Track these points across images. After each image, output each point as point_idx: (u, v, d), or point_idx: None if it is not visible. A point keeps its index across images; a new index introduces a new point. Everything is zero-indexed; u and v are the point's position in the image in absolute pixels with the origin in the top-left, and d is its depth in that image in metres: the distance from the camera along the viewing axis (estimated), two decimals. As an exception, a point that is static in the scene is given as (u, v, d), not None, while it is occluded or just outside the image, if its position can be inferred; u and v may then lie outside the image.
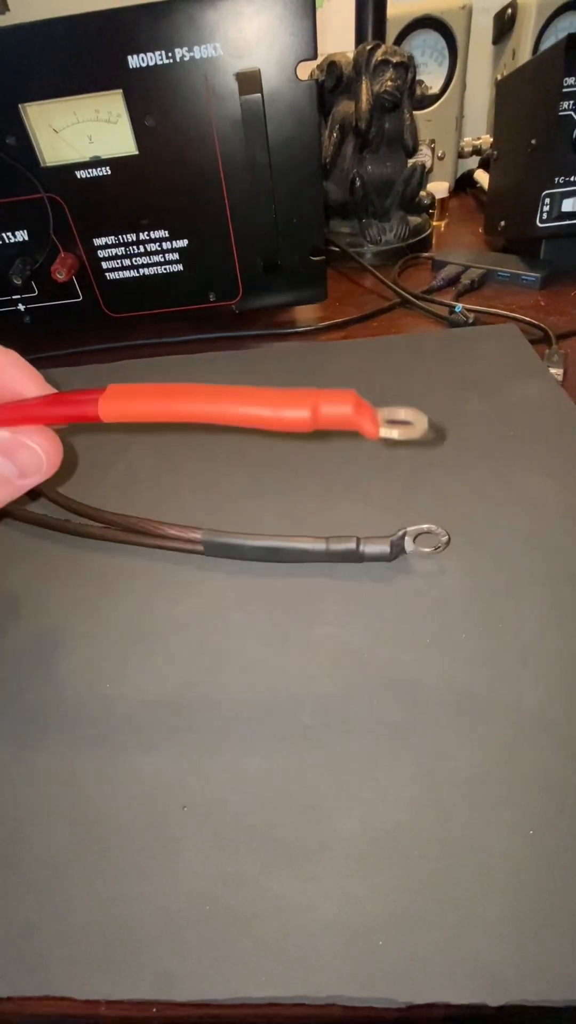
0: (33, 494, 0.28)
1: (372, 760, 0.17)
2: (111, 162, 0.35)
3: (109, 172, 0.36)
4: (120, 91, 0.33)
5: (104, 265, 0.39)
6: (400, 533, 0.23)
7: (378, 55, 0.45)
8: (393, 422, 0.17)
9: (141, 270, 0.40)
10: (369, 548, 0.23)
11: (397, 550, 0.23)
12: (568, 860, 0.15)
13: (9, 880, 0.16)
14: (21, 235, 0.38)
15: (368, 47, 0.46)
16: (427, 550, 0.23)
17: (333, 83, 0.49)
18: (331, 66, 0.48)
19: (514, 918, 0.14)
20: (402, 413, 0.17)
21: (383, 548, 0.23)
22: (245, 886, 0.15)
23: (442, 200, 0.59)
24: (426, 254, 0.52)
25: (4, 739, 0.19)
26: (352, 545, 0.23)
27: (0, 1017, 0.15)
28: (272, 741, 0.18)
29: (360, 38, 0.53)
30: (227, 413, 0.18)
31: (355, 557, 0.23)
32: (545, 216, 0.43)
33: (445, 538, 0.23)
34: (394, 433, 0.17)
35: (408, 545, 0.23)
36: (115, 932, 0.15)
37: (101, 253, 0.39)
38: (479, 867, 0.15)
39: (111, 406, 0.18)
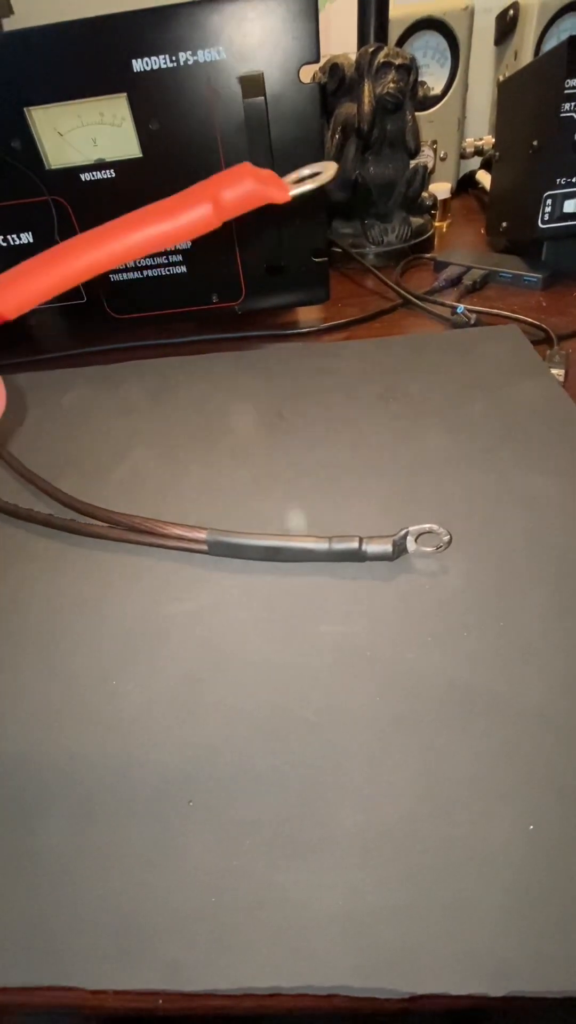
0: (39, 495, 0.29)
1: (375, 756, 0.18)
2: (115, 165, 0.36)
3: (113, 175, 0.36)
4: (124, 95, 0.34)
5: (108, 267, 0.40)
6: (402, 533, 0.23)
7: (380, 57, 0.46)
8: (300, 180, 0.17)
9: (145, 272, 0.40)
10: (372, 548, 0.23)
11: (399, 549, 0.23)
12: (568, 854, 0.15)
13: (18, 873, 0.16)
14: (26, 237, 0.38)
15: (370, 49, 0.46)
16: (429, 549, 0.23)
17: (335, 85, 0.49)
18: (333, 68, 0.49)
19: (515, 911, 0.14)
20: (306, 170, 0.17)
21: (385, 547, 0.23)
22: (250, 879, 0.15)
23: (444, 201, 0.59)
24: (428, 255, 0.52)
25: (13, 736, 0.19)
26: (355, 545, 0.23)
27: (10, 1007, 0.15)
28: (276, 737, 0.18)
29: (362, 40, 0.53)
30: (130, 246, 0.16)
31: (358, 556, 0.23)
32: (547, 217, 0.43)
33: (447, 537, 0.23)
34: (305, 186, 0.17)
35: (410, 544, 0.23)
36: (122, 924, 0.15)
37: (105, 255, 0.39)
38: (481, 861, 0.15)
39: (10, 299, 0.16)
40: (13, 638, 0.23)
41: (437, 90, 0.61)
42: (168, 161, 0.36)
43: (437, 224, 0.58)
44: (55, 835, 0.17)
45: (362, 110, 0.47)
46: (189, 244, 0.39)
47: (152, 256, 0.39)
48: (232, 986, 0.14)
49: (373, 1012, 0.14)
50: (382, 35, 0.53)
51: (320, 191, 0.38)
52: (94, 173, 0.36)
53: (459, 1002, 0.14)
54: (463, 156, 0.65)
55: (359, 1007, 0.14)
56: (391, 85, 0.45)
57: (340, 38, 0.55)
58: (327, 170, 0.17)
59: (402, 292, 0.44)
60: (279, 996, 0.14)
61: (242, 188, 0.16)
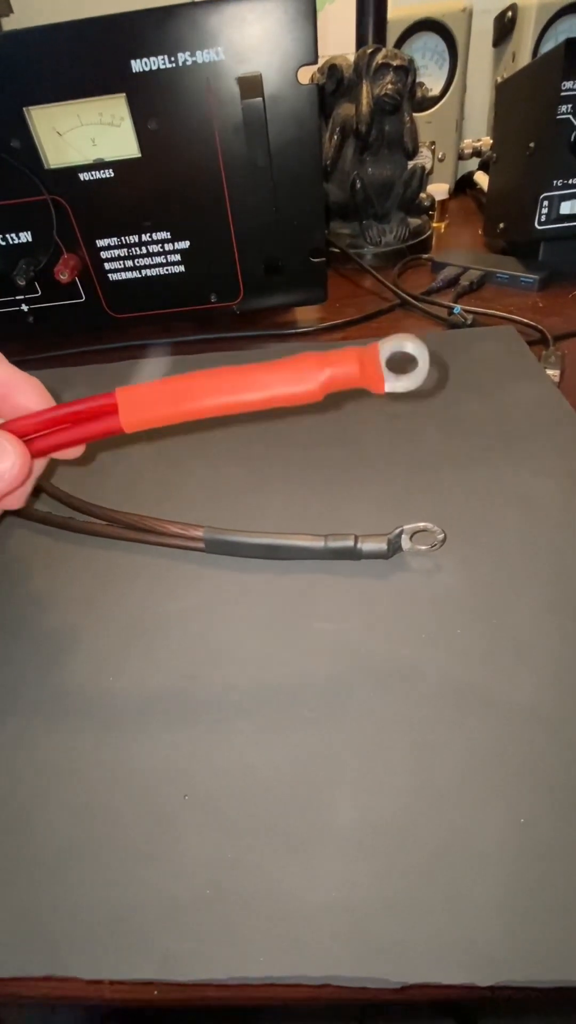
0: (35, 491, 0.29)
1: (369, 751, 0.18)
2: (114, 164, 0.36)
3: (112, 174, 0.36)
4: (123, 95, 0.34)
5: (107, 266, 0.40)
6: (397, 531, 0.23)
7: (378, 59, 0.46)
8: (396, 367, 0.18)
9: (143, 271, 0.40)
10: (367, 546, 0.23)
11: (394, 548, 0.23)
12: (558, 848, 0.15)
13: (16, 864, 0.16)
14: (25, 236, 0.38)
15: (369, 51, 0.46)
16: (424, 548, 0.24)
17: (334, 86, 0.49)
18: (332, 69, 0.49)
19: (505, 903, 0.15)
20: (408, 345, 0.18)
21: (380, 546, 0.23)
22: (245, 871, 0.16)
23: (442, 202, 0.59)
24: (426, 255, 0.52)
25: (11, 730, 0.20)
26: (350, 543, 0.23)
27: (6, 997, 0.15)
28: (272, 732, 0.19)
29: (361, 41, 0.53)
30: (245, 404, 0.18)
31: (353, 554, 0.23)
32: (544, 218, 0.43)
33: (441, 536, 0.23)
34: (399, 386, 0.18)
35: (405, 543, 0.24)
36: (118, 915, 0.15)
37: (104, 254, 0.39)
38: (472, 854, 0.15)
39: (131, 418, 0.19)
40: (10, 634, 0.23)
41: (435, 91, 0.61)
42: (167, 161, 0.36)
43: (435, 225, 0.58)
44: (52, 828, 0.17)
45: (360, 111, 0.47)
46: (188, 243, 0.39)
47: (151, 255, 0.40)
48: (226, 976, 0.14)
49: (365, 1001, 0.14)
50: (380, 36, 0.53)
51: (321, 193, 0.38)
52: (93, 173, 0.36)
53: (450, 992, 0.14)
54: (461, 157, 0.66)
55: (352, 997, 0.14)
56: (389, 86, 0.45)
57: (338, 39, 0.55)
58: (420, 361, 0.17)
59: (399, 292, 0.44)
60: (273, 986, 0.14)
61: (347, 371, 0.18)
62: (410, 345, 0.18)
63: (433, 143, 0.63)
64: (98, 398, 0.19)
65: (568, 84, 0.39)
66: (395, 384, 0.18)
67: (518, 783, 0.17)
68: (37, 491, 0.29)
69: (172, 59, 0.33)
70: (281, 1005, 0.15)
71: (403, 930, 0.14)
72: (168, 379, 0.19)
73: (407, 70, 0.46)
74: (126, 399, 0.19)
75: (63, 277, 0.38)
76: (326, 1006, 0.15)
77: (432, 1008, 0.51)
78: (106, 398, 0.19)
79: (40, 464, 0.22)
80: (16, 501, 0.21)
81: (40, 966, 0.15)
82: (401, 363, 0.18)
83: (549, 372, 0.34)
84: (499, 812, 0.16)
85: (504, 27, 0.61)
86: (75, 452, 0.22)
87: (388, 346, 0.18)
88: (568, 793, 0.16)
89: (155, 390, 0.19)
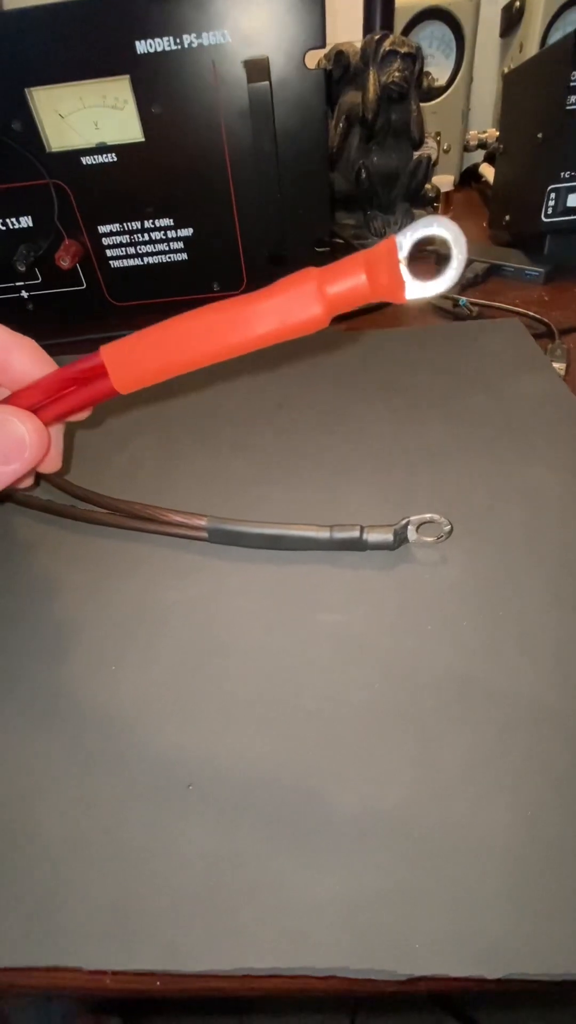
0: (36, 479, 0.28)
1: (373, 742, 0.18)
2: (117, 149, 0.35)
3: (115, 159, 0.36)
4: (127, 77, 0.33)
5: (108, 253, 0.39)
6: (403, 522, 0.23)
7: (386, 45, 0.45)
8: (416, 257, 0.14)
9: (145, 258, 0.40)
10: (372, 536, 0.23)
11: (400, 539, 0.23)
12: (565, 840, 0.15)
13: (18, 854, 0.16)
14: (25, 221, 0.38)
15: (376, 37, 0.46)
16: (429, 539, 0.23)
17: (340, 73, 0.48)
18: (338, 55, 0.48)
19: (512, 895, 0.14)
20: (434, 227, 0.14)
21: (386, 537, 0.23)
22: (248, 862, 0.15)
23: (447, 193, 0.59)
24: (430, 247, 0.51)
25: (13, 719, 0.19)
26: (355, 533, 0.23)
27: (7, 988, 0.15)
28: (275, 723, 0.18)
29: (368, 28, 0.52)
30: (236, 343, 0.16)
31: (358, 545, 0.23)
32: (550, 211, 0.43)
33: (448, 527, 0.23)
34: (423, 291, 0.14)
35: (411, 534, 0.23)
36: (122, 905, 0.15)
37: (105, 241, 0.39)
38: (478, 846, 0.15)
39: (124, 377, 0.17)
40: (12, 624, 0.23)
41: (442, 81, 0.61)
42: (171, 146, 0.35)
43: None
44: (54, 817, 0.17)
45: (367, 98, 0.46)
46: (191, 230, 0.39)
47: (153, 242, 0.39)
48: (230, 967, 0.14)
49: (370, 993, 0.14)
50: (388, 23, 0.52)
51: (326, 182, 0.38)
52: (95, 157, 0.36)
53: (456, 984, 0.14)
54: (466, 149, 0.65)
55: (356, 989, 0.14)
56: (396, 74, 0.45)
57: (346, 25, 0.54)
58: (456, 252, 0.13)
59: (404, 284, 0.44)
60: (277, 977, 0.14)
61: (353, 285, 0.15)
62: (437, 226, 0.14)
63: (438, 134, 0.62)
64: (86, 359, 0.18)
65: (577, 74, 0.38)
66: (420, 289, 0.14)
67: (524, 775, 0.17)
68: (38, 479, 0.29)
69: (177, 41, 0.32)
70: (285, 997, 0.15)
71: (409, 922, 0.14)
72: (152, 328, 0.17)
73: (415, 57, 0.46)
74: (113, 358, 0.17)
75: (64, 263, 0.38)
76: (322, 998, 0.15)
77: (424, 1000, 0.52)
78: (92, 359, 0.18)
79: (57, 434, 0.22)
80: (52, 464, 0.21)
81: (42, 956, 0.14)
82: (423, 260, 0.14)
83: (555, 365, 0.33)
84: (505, 804, 0.16)
85: (512, 17, 0.60)
86: (84, 414, 0.21)
87: (409, 235, 0.14)
88: (574, 785, 0.16)
89: (142, 342, 0.17)
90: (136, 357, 0.17)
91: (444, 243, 0.14)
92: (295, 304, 0.15)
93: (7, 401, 0.19)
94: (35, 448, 0.18)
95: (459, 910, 0.14)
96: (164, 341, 0.17)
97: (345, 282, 0.15)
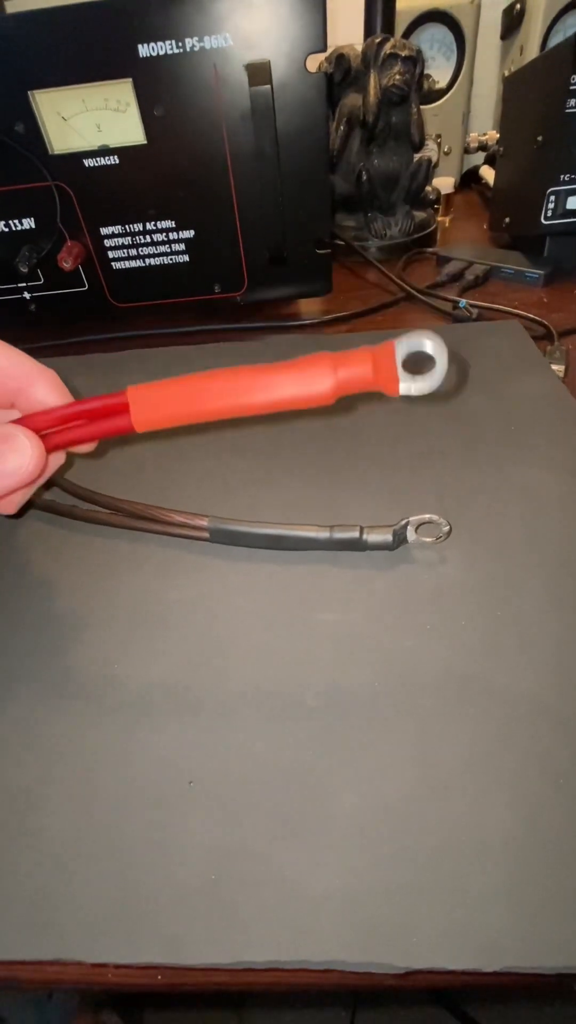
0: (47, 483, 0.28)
1: (373, 740, 0.18)
2: (119, 151, 0.35)
3: (117, 161, 0.36)
4: (130, 80, 0.33)
5: (110, 254, 0.40)
6: (402, 522, 0.23)
7: (387, 48, 0.45)
8: (411, 368, 0.17)
9: (147, 260, 0.40)
10: (372, 537, 0.23)
11: (399, 539, 0.23)
12: (561, 836, 0.15)
13: (23, 849, 0.16)
14: (28, 223, 0.38)
15: (377, 40, 0.46)
16: (429, 540, 0.24)
17: (341, 76, 0.49)
18: (339, 58, 0.48)
19: (509, 890, 0.15)
20: (428, 344, 0.17)
21: (386, 537, 0.23)
22: (249, 857, 0.16)
23: (447, 196, 0.59)
24: (431, 249, 0.52)
25: (17, 717, 0.20)
26: (355, 534, 0.23)
27: (10, 981, 0.15)
28: (276, 721, 0.19)
29: (369, 31, 0.53)
30: (257, 405, 0.18)
31: (358, 546, 0.23)
32: (550, 213, 0.43)
33: (447, 528, 0.23)
34: (414, 388, 0.17)
35: (410, 534, 0.24)
36: (123, 900, 0.15)
37: (107, 242, 0.39)
38: (476, 841, 0.16)
39: (142, 416, 0.19)
40: (15, 623, 0.23)
41: (442, 84, 0.61)
42: (173, 148, 0.35)
43: (440, 219, 0.58)
44: (57, 813, 0.17)
45: (367, 101, 0.46)
46: (192, 233, 0.39)
47: (155, 244, 0.39)
48: (231, 961, 0.14)
49: (369, 986, 0.14)
50: (389, 26, 0.53)
51: (327, 184, 0.38)
52: (98, 159, 0.36)
53: (454, 978, 0.14)
54: (467, 151, 0.65)
55: (355, 982, 0.14)
56: (397, 77, 0.45)
57: (346, 29, 0.54)
58: (439, 362, 0.16)
59: (404, 286, 0.44)
60: (277, 971, 0.14)
61: (360, 373, 0.17)
62: (428, 343, 0.17)
63: (439, 136, 0.63)
64: (110, 397, 0.19)
65: (577, 78, 0.39)
66: (410, 386, 0.17)
67: (522, 773, 0.17)
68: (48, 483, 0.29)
69: (179, 44, 0.32)
70: (284, 991, 0.15)
71: (407, 916, 0.14)
72: (178, 379, 0.19)
73: (415, 61, 0.46)
74: (137, 398, 0.19)
75: (66, 265, 0.38)
76: (320, 992, 0.15)
77: (422, 995, 0.52)
78: (117, 397, 0.19)
79: (56, 460, 0.22)
80: (25, 496, 0.21)
81: (45, 950, 0.15)
82: (417, 363, 0.17)
83: (554, 367, 0.34)
84: (503, 801, 0.16)
85: (512, 20, 0.61)
86: (88, 447, 0.22)
87: (404, 344, 0.17)
88: (572, 782, 0.16)
89: (166, 389, 0.19)
90: (158, 401, 0.19)
91: (431, 356, 0.17)
92: (310, 379, 0.18)
93: (19, 421, 0.20)
94: (31, 469, 0.18)
95: (457, 905, 0.15)
96: (186, 391, 0.18)
97: (354, 369, 0.17)
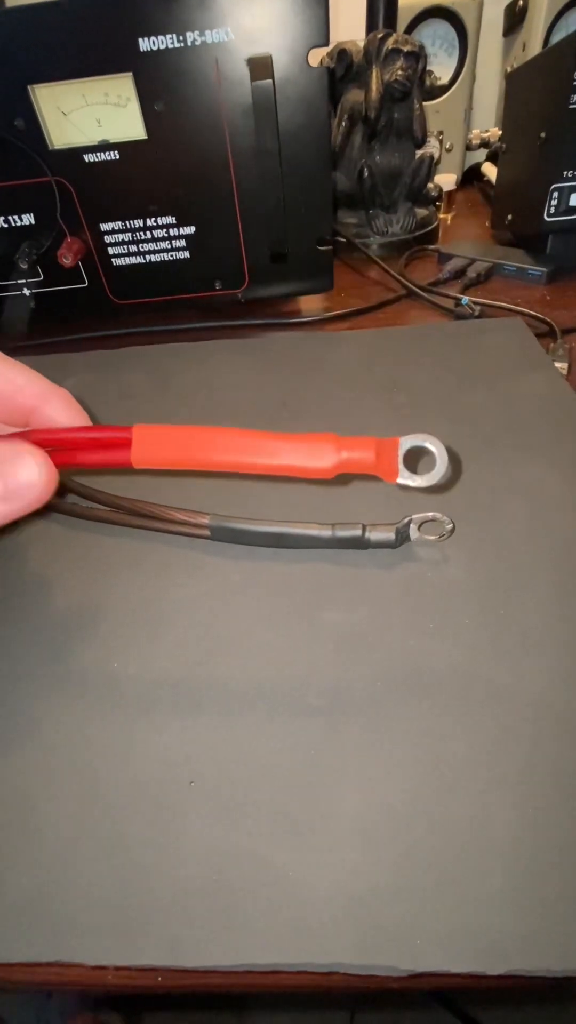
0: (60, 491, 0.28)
1: (376, 739, 0.18)
2: (120, 146, 0.35)
3: (117, 156, 0.36)
4: (130, 74, 0.33)
5: (111, 251, 0.39)
6: (405, 520, 0.23)
7: (389, 44, 0.45)
8: (412, 462, 0.19)
9: (148, 256, 0.40)
10: (375, 535, 0.23)
11: (402, 537, 0.23)
12: (567, 838, 0.15)
13: (21, 850, 0.16)
14: (28, 219, 0.38)
15: (379, 36, 0.46)
16: (432, 538, 0.23)
17: (343, 71, 0.49)
18: (341, 54, 0.48)
19: (514, 892, 0.14)
20: (428, 444, 0.19)
21: (388, 535, 0.23)
22: (251, 858, 0.16)
23: (449, 193, 0.58)
24: (432, 246, 0.51)
25: (16, 716, 0.19)
26: (358, 532, 0.23)
27: (10, 983, 0.15)
28: (278, 720, 0.18)
29: (371, 26, 0.52)
30: (252, 465, 0.19)
31: (360, 544, 0.23)
32: (552, 210, 0.43)
33: (450, 526, 0.23)
34: (412, 483, 0.18)
35: (413, 532, 0.23)
36: (123, 901, 0.15)
37: (108, 238, 0.39)
38: (480, 843, 0.15)
39: (142, 455, 0.19)
40: (15, 621, 0.23)
41: (444, 80, 0.61)
42: (173, 144, 0.35)
43: (442, 216, 0.58)
44: (56, 813, 0.17)
45: (369, 97, 0.46)
46: (193, 229, 0.39)
47: (155, 240, 0.39)
48: (232, 963, 0.14)
49: (372, 989, 0.14)
50: (391, 22, 0.52)
51: (329, 180, 0.38)
52: (98, 154, 0.35)
53: (458, 981, 0.14)
54: (469, 148, 0.65)
55: (358, 984, 0.14)
56: (399, 72, 0.45)
57: (349, 24, 0.54)
58: (439, 463, 0.18)
59: (406, 283, 0.44)
60: (279, 973, 0.14)
61: (362, 457, 0.18)
62: (430, 445, 0.18)
63: (441, 133, 0.62)
64: (116, 429, 0.20)
65: (580, 73, 0.38)
66: (408, 480, 0.18)
67: (526, 773, 0.17)
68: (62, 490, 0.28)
69: (180, 38, 0.32)
70: (286, 993, 0.15)
71: (410, 918, 0.14)
72: (187, 427, 0.19)
73: (417, 56, 0.46)
74: (142, 436, 0.19)
75: (66, 261, 0.38)
76: (321, 994, 0.15)
77: (423, 997, 0.52)
78: (123, 431, 0.19)
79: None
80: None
81: (45, 951, 0.14)
82: (417, 458, 0.19)
83: (557, 364, 0.33)
84: (507, 801, 0.16)
85: (515, 16, 0.60)
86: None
87: (408, 441, 0.18)
88: (577, 784, 0.16)
89: (172, 434, 0.19)
90: (161, 443, 0.19)
91: (432, 454, 0.19)
92: (314, 454, 0.19)
93: (26, 436, 0.20)
94: (40, 491, 0.18)
95: (461, 907, 0.14)
96: (191, 440, 0.19)
97: (356, 452, 0.19)
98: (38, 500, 0.18)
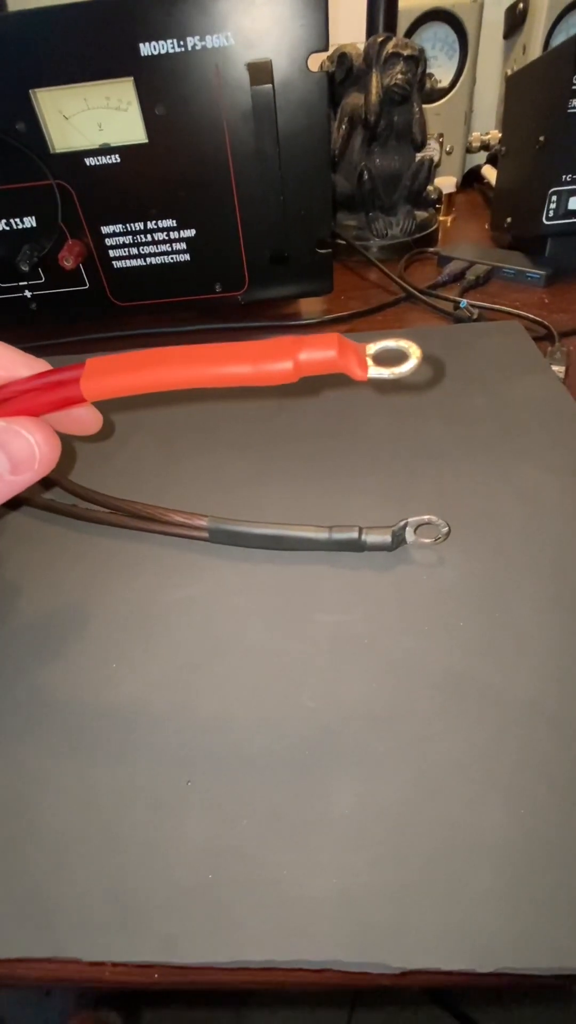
0: (45, 482, 0.29)
1: (370, 741, 0.18)
2: (120, 150, 0.35)
3: (118, 160, 0.36)
4: (131, 79, 0.33)
5: (111, 253, 0.40)
6: (401, 523, 0.23)
7: (389, 47, 0.45)
8: (382, 359, 0.17)
9: (148, 259, 0.40)
10: (371, 538, 0.23)
11: (398, 540, 0.23)
12: (557, 838, 0.15)
13: (20, 849, 0.16)
14: (29, 221, 0.38)
15: (379, 39, 0.46)
16: (427, 541, 0.24)
17: (343, 75, 0.49)
18: (341, 57, 0.48)
19: (505, 891, 0.15)
20: (391, 343, 0.17)
21: (384, 538, 0.23)
22: (246, 857, 0.16)
23: (449, 195, 0.59)
24: (432, 249, 0.52)
25: (13, 716, 0.20)
26: (354, 534, 0.23)
27: (7, 979, 0.15)
28: (274, 721, 0.19)
29: (371, 30, 0.52)
30: (209, 375, 0.17)
31: (357, 546, 0.23)
32: (551, 214, 0.43)
33: (445, 529, 0.23)
34: (384, 372, 0.16)
35: (409, 535, 0.24)
36: (120, 898, 0.15)
37: (109, 241, 0.39)
38: (472, 843, 0.16)
39: (93, 385, 0.18)
40: (13, 622, 0.23)
41: (444, 83, 0.61)
42: (174, 147, 0.35)
43: (441, 218, 0.58)
44: (55, 812, 0.17)
45: (369, 101, 0.46)
46: (193, 232, 0.39)
47: (156, 243, 0.39)
48: (228, 960, 0.14)
49: (365, 986, 0.14)
50: (391, 25, 0.53)
51: (329, 183, 0.38)
52: (99, 158, 0.36)
53: (450, 978, 0.14)
54: (469, 150, 0.65)
55: (351, 982, 0.14)
56: (399, 76, 0.45)
57: (348, 27, 0.54)
58: (412, 355, 0.16)
59: (405, 286, 0.44)
60: (273, 970, 0.14)
61: (324, 355, 0.17)
62: (401, 344, 0.17)
63: (441, 135, 0.62)
64: (69, 369, 0.18)
65: (580, 78, 0.39)
66: (378, 372, 0.17)
67: (518, 774, 0.17)
68: (47, 481, 0.29)
69: (181, 43, 0.32)
70: (281, 989, 0.15)
71: (403, 916, 0.15)
72: (141, 351, 0.18)
73: (417, 60, 0.46)
74: (93, 368, 0.18)
75: (67, 263, 0.38)
76: (320, 991, 0.15)
77: (420, 996, 0.52)
78: (76, 368, 0.18)
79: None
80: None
81: (42, 948, 0.15)
82: (388, 358, 0.17)
83: (554, 368, 0.34)
84: (499, 802, 0.16)
85: (515, 19, 0.60)
86: (91, 427, 0.21)
87: (378, 344, 0.17)
88: (568, 785, 0.16)
89: (124, 360, 0.18)
90: (113, 370, 0.18)
91: (406, 351, 0.17)
92: (272, 355, 0.17)
93: None
94: (46, 458, 0.18)
95: (453, 905, 0.15)
96: (144, 361, 0.18)
97: (318, 351, 0.17)
98: (45, 468, 0.18)
